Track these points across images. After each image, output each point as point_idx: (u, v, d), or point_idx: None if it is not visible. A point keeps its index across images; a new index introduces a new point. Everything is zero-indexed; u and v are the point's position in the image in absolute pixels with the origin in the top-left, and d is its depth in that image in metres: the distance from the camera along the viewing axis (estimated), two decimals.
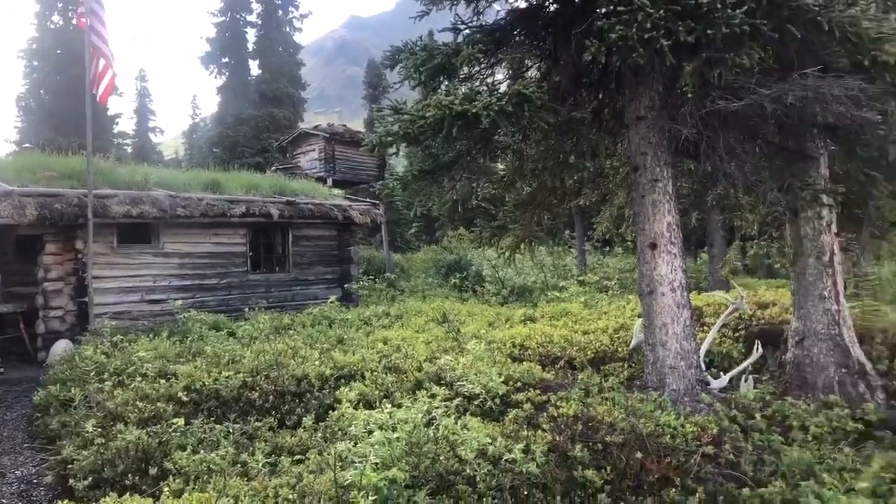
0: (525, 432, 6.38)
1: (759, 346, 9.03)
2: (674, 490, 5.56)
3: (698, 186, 10.29)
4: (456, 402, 6.82)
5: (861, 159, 8.54)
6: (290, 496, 5.14)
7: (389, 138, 7.26)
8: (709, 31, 5.95)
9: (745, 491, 5.71)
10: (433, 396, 6.58)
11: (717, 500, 5.62)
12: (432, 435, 5.77)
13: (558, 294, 18.06)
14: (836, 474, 6.19)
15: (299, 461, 6.11)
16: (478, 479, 5.36)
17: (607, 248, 30.51)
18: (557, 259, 27.50)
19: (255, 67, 49.86)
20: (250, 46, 49.70)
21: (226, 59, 49.19)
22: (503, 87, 8.28)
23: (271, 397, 8.23)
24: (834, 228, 9.19)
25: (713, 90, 6.65)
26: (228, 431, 7.07)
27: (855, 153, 8.01)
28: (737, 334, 10.37)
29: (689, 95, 6.60)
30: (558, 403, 7.15)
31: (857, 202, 9.98)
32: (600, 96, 8.75)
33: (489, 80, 8.66)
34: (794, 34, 6.11)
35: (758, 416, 7.29)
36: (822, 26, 6.04)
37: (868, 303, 11.73)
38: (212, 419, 7.68)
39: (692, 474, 5.87)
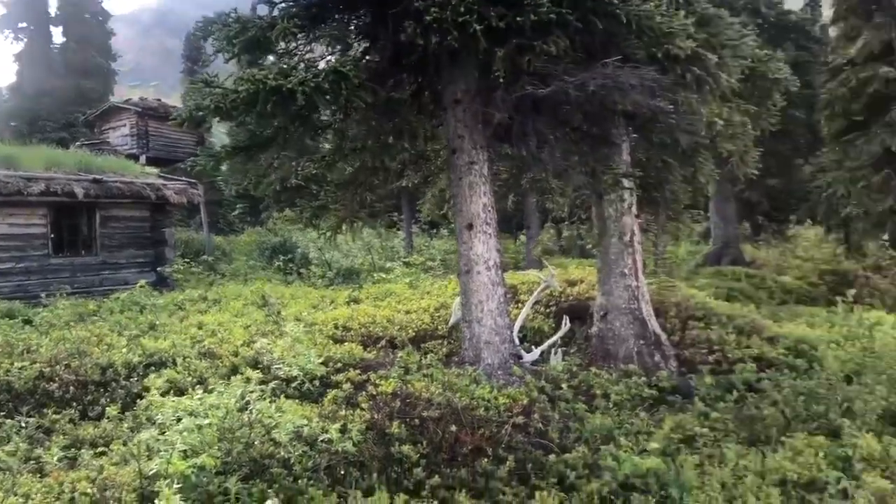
0: (343, 412, 6.39)
1: (568, 321, 9.57)
2: (486, 460, 5.78)
3: (515, 170, 10.67)
4: (272, 385, 6.69)
5: (658, 146, 9.21)
6: (90, 490, 4.82)
7: (200, 112, 6.95)
8: (518, 18, 6.18)
9: (552, 457, 6.04)
10: (248, 380, 6.40)
11: (526, 468, 5.90)
12: (246, 419, 5.62)
13: (384, 275, 18.17)
14: (632, 437, 6.71)
15: (102, 453, 5.74)
16: (293, 460, 5.30)
17: (434, 231, 31.06)
18: (385, 241, 27.65)
19: (58, 35, 45.79)
20: (53, 11, 45.54)
21: (24, 24, 44.77)
22: (322, 65, 8.14)
23: (72, 388, 7.68)
24: (634, 210, 9.89)
25: (523, 76, 6.91)
26: (21, 426, 6.53)
27: (652, 140, 8.63)
28: (548, 310, 10.91)
29: (502, 80, 6.82)
30: (378, 382, 7.20)
31: (655, 186, 10.78)
32: (420, 79, 8.83)
33: (308, 56, 8.48)
34: (597, 25, 6.48)
35: (565, 386, 7.73)
36: (621, 19, 6.45)
37: (664, 279, 12.77)
38: (1, 414, 7.05)
39: (503, 444, 6.13)
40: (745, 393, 7.91)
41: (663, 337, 9.64)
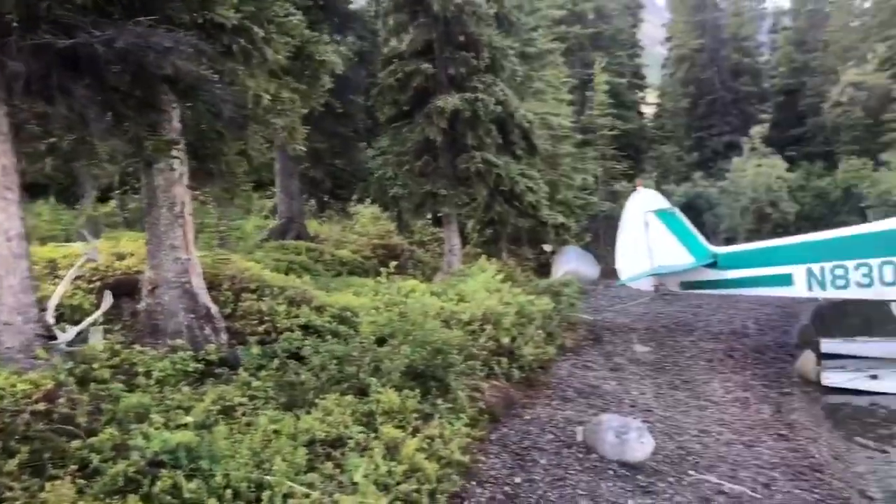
0: None
1: (110, 297, 8.97)
2: None
3: (61, 131, 9.60)
4: None
5: (210, 116, 9.02)
6: None
7: None
8: None
9: (77, 442, 5.62)
10: None
11: (42, 458, 5.40)
12: None
13: None
14: (172, 413, 6.56)
15: None
16: None
17: None
18: None
19: None
20: None
21: None
22: None
23: None
24: (186, 181, 9.62)
25: (43, 24, 6.15)
26: None
27: (199, 109, 8.42)
28: (92, 286, 10.08)
29: (15, 25, 6.00)
30: None
31: (210, 157, 10.59)
32: None
33: None
34: None
35: (98, 365, 7.24)
36: None
37: (220, 252, 12.71)
38: None
39: (18, 435, 5.52)
40: (286, 360, 8.28)
41: (214, 310, 9.60)
